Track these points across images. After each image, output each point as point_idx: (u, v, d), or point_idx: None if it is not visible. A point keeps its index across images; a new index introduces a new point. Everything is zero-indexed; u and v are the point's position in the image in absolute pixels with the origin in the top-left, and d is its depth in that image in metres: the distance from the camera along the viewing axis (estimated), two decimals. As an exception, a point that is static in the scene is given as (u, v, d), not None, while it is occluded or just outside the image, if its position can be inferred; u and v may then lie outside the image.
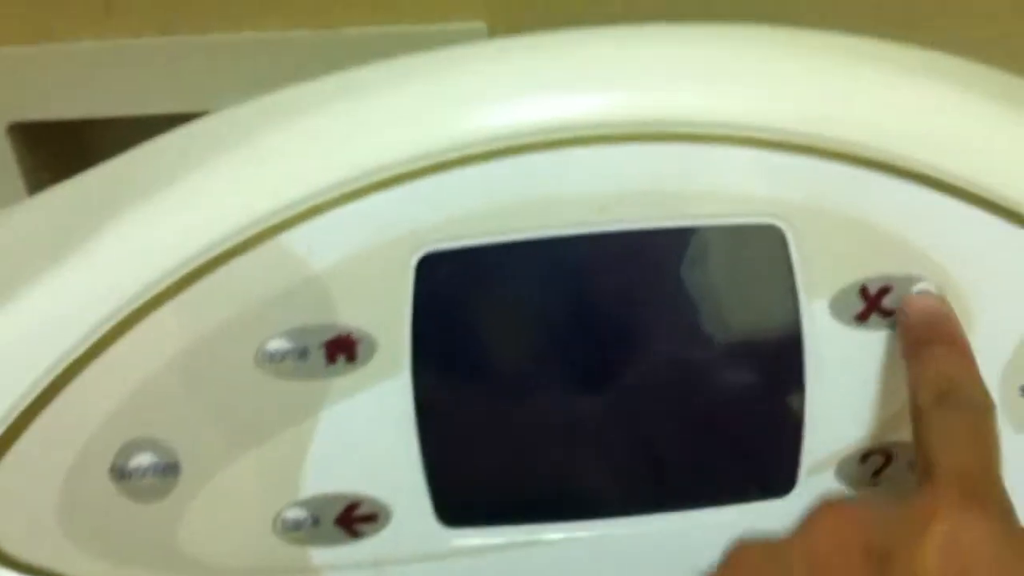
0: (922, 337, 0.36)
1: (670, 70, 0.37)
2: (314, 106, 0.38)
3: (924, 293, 0.38)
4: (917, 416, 0.34)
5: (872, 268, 0.37)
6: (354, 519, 0.39)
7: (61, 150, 0.58)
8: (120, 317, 0.37)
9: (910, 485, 0.37)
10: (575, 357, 0.38)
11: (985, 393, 0.34)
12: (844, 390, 0.38)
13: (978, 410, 0.34)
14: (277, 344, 0.37)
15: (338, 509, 0.39)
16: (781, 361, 0.38)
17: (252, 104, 0.40)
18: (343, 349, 0.37)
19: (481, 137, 0.36)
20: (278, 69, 0.42)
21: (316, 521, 0.39)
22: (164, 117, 0.43)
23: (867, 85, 0.37)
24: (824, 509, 0.30)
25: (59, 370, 0.37)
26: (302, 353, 0.37)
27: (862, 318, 0.37)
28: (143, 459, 0.38)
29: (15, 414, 0.37)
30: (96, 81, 0.53)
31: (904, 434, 0.38)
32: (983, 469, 0.32)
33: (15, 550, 0.38)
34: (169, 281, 0.37)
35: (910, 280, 0.37)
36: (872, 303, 0.37)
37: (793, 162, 0.36)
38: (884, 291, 0.37)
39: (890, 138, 0.36)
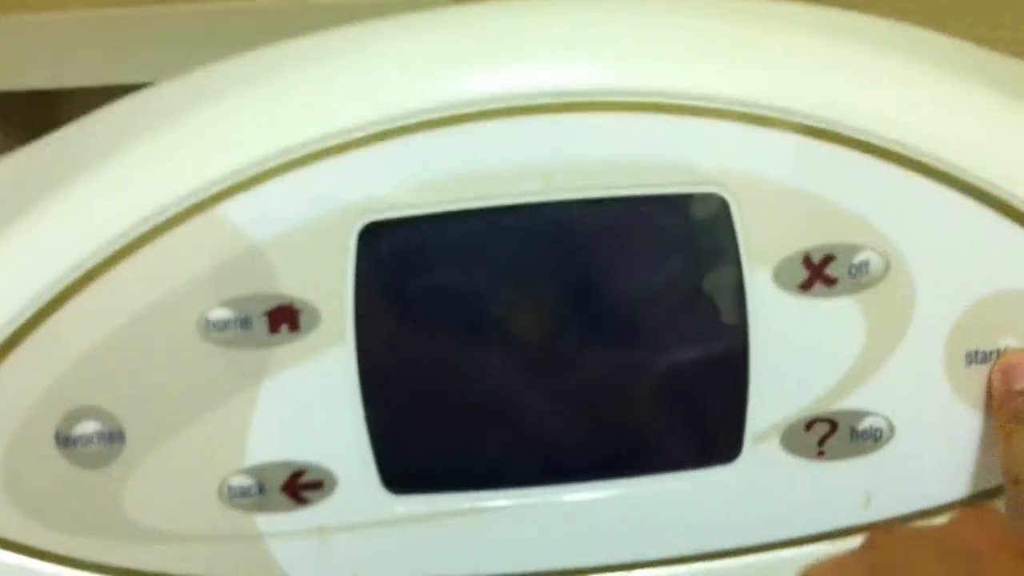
0: (1019, 413, 0.38)
1: (613, 39, 0.37)
2: (257, 75, 0.38)
3: (1017, 353, 0.38)
4: (1018, 482, 0.36)
5: (815, 237, 0.38)
6: (300, 486, 0.39)
7: (30, 120, 0.58)
8: (63, 286, 0.37)
9: (853, 454, 0.38)
10: (518, 325, 0.38)
11: None
12: (788, 358, 0.39)
13: None
14: (219, 313, 0.37)
15: (284, 476, 0.39)
16: (725, 329, 0.39)
17: (196, 73, 0.40)
18: (286, 318, 0.37)
19: (425, 106, 0.37)
20: (239, 40, 0.42)
21: (262, 488, 0.39)
22: (131, 87, 0.43)
23: (808, 52, 0.37)
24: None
25: (1, 338, 0.37)
26: (244, 322, 0.37)
27: (805, 287, 0.38)
28: (87, 427, 0.38)
29: (-42, 381, 0.37)
30: (63, 51, 0.54)
31: (848, 402, 0.39)
32: None
33: (-40, 516, 0.38)
34: (111, 250, 0.37)
35: (853, 249, 0.37)
36: (815, 272, 0.38)
37: (736, 131, 0.37)
38: (827, 260, 0.38)
39: (833, 107, 0.36)
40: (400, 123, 0.37)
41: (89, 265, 0.37)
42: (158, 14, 0.54)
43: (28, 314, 0.38)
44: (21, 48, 0.54)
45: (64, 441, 0.38)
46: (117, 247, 0.37)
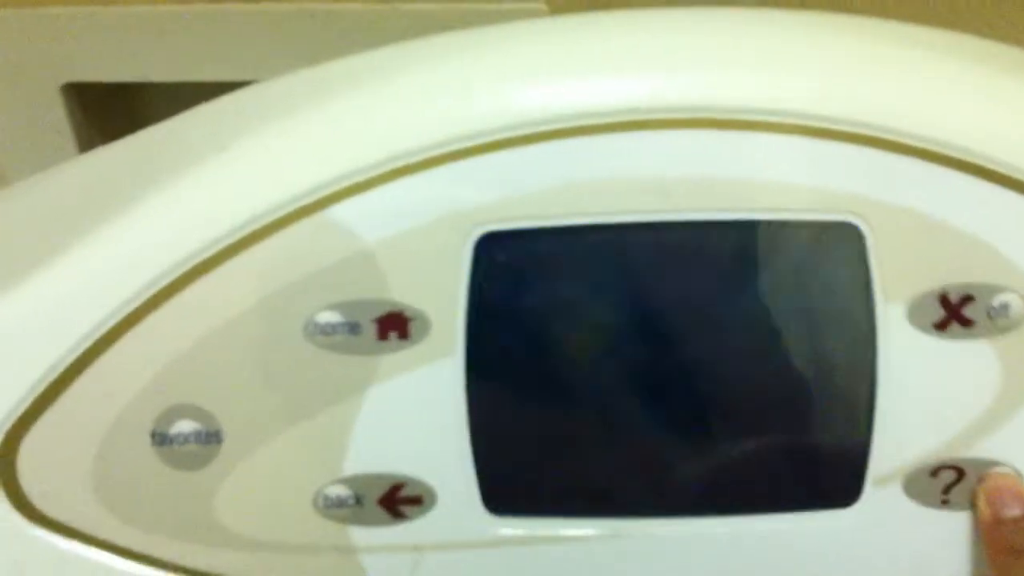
0: (1016, 543, 0.37)
1: (745, 54, 0.36)
2: (373, 78, 0.38)
3: (1007, 476, 0.37)
4: None
5: (954, 275, 0.37)
6: (398, 500, 0.39)
7: (113, 113, 0.58)
8: (168, 281, 0.38)
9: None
10: (634, 349, 0.38)
11: None
12: (917, 400, 0.38)
13: None
14: (328, 316, 0.37)
15: (382, 489, 0.39)
16: (853, 366, 0.38)
17: (307, 73, 0.40)
18: (395, 326, 0.37)
19: (545, 116, 0.36)
20: (328, 42, 0.42)
21: (359, 500, 0.39)
22: (215, 84, 0.43)
23: (956, 82, 0.36)
24: None
25: (103, 331, 0.38)
26: (353, 327, 0.37)
27: (941, 327, 0.37)
28: (185, 426, 0.38)
29: (56, 372, 0.38)
30: (149, 46, 0.54)
31: (977, 450, 0.37)
32: None
33: (49, 509, 0.39)
34: (220, 246, 0.37)
35: (994, 290, 0.36)
36: (953, 312, 0.37)
37: (875, 158, 0.36)
38: (966, 300, 0.37)
39: (981, 140, 0.35)
40: (523, 132, 0.37)
41: (196, 261, 0.38)
42: (245, 13, 0.54)
43: (131, 308, 0.38)
44: (107, 40, 0.55)
45: (160, 439, 0.38)
46: (226, 244, 0.37)
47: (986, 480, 0.38)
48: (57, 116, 0.57)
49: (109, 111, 0.59)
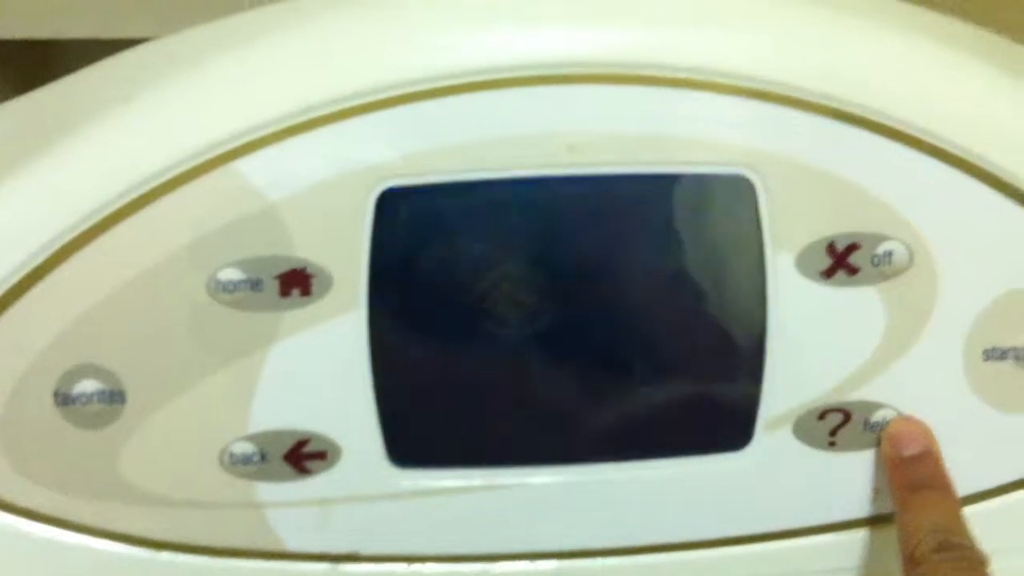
0: (914, 479, 0.39)
1: (647, 11, 0.37)
2: (276, 31, 0.38)
3: (907, 421, 0.39)
4: (914, 562, 0.37)
5: (841, 224, 0.38)
6: (303, 456, 0.39)
7: (30, 69, 0.57)
8: (68, 239, 0.37)
9: (866, 446, 0.38)
10: (532, 301, 0.38)
11: (979, 549, 0.37)
12: (805, 346, 0.39)
13: (973, 566, 0.37)
14: (230, 274, 0.37)
15: (287, 445, 0.39)
16: (743, 313, 0.39)
17: (212, 27, 0.40)
18: (298, 282, 0.37)
19: (448, 71, 0.37)
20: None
21: (264, 456, 0.39)
22: (131, 40, 0.43)
23: (847, 37, 0.37)
24: None
25: (2, 290, 0.37)
26: (255, 284, 0.37)
27: (828, 274, 0.38)
28: (88, 385, 0.38)
29: (-44, 333, 0.37)
30: (65, 2, 0.53)
31: (862, 393, 0.39)
32: None
33: (-48, 472, 0.38)
34: (120, 203, 0.37)
35: (878, 238, 0.38)
36: (839, 260, 0.38)
37: (766, 111, 0.37)
38: (852, 248, 0.38)
39: (866, 92, 0.37)
40: (426, 86, 0.37)
41: (97, 218, 0.37)
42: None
43: (31, 267, 0.37)
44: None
45: (63, 399, 0.38)
46: (127, 200, 0.37)
47: (891, 423, 0.40)
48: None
49: (25, 67, 0.58)
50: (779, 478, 0.41)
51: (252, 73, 0.38)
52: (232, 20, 0.40)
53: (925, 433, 0.40)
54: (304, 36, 0.38)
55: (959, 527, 0.38)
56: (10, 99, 0.44)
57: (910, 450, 0.40)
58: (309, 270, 0.38)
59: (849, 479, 0.41)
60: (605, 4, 0.38)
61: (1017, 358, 0.40)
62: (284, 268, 0.38)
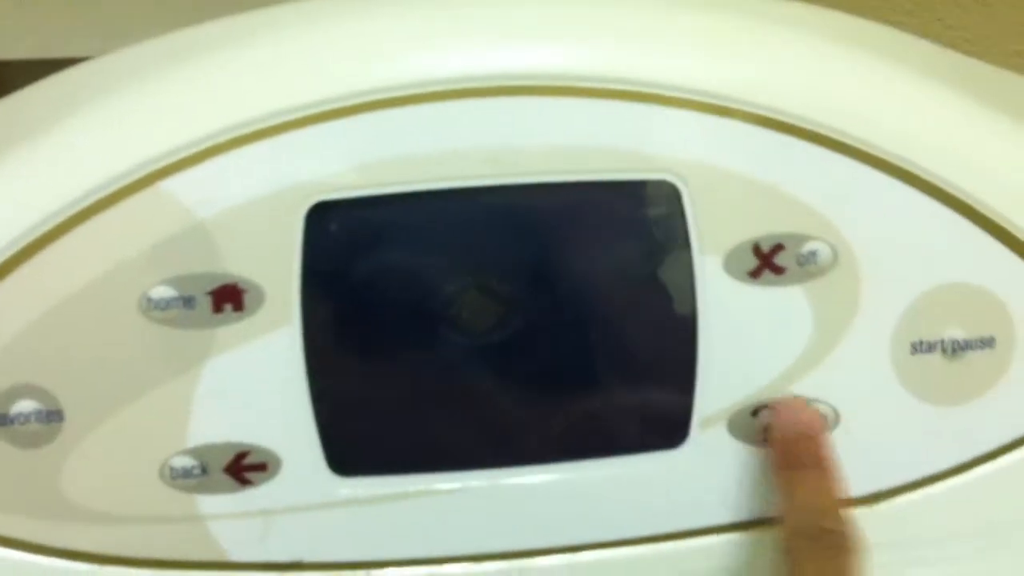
0: (795, 458, 0.39)
1: (567, 22, 0.38)
2: (202, 50, 0.38)
3: (797, 403, 0.40)
4: (790, 539, 0.38)
5: (765, 226, 0.39)
6: (243, 467, 0.40)
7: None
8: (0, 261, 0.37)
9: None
10: (465, 308, 0.39)
11: (855, 535, 0.38)
12: (736, 345, 0.40)
13: (850, 554, 0.37)
14: (161, 291, 0.37)
15: (227, 457, 0.40)
16: (674, 315, 0.40)
17: (140, 47, 0.40)
18: (230, 298, 0.38)
19: (374, 86, 0.37)
20: (185, 13, 0.42)
21: (204, 469, 0.39)
22: (66, 61, 0.43)
23: (762, 42, 0.38)
24: None
25: (-64, 314, 0.37)
26: (187, 301, 0.38)
27: (755, 275, 0.39)
28: (25, 405, 0.38)
29: None
30: (6, 22, 0.53)
31: (794, 389, 0.40)
32: None
33: None
34: (51, 225, 0.38)
35: (802, 239, 0.38)
36: (765, 260, 0.39)
37: (688, 119, 0.38)
38: (777, 248, 0.39)
39: (784, 97, 0.37)
40: (349, 102, 0.37)
41: (27, 240, 0.38)
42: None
43: (-37, 290, 0.37)
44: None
45: (1, 420, 0.38)
46: (57, 222, 0.37)
47: (775, 403, 0.40)
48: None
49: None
50: (715, 474, 0.41)
51: (177, 92, 0.38)
52: (151, 43, 0.40)
53: (809, 415, 0.40)
54: (231, 55, 0.38)
55: (834, 510, 0.39)
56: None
57: (792, 430, 0.40)
58: (241, 285, 0.38)
59: (784, 473, 0.42)
60: (534, 19, 0.38)
61: (944, 351, 0.40)
62: (216, 284, 0.38)
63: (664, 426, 0.41)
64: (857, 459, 0.41)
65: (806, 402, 0.40)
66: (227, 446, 0.39)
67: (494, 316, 0.40)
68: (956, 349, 0.41)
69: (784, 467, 0.40)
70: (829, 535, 0.38)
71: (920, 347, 0.40)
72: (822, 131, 0.38)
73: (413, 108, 0.37)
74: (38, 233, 0.37)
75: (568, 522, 0.42)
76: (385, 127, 0.37)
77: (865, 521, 0.41)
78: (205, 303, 0.38)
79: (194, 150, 0.37)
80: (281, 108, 0.37)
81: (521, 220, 0.39)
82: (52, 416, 0.39)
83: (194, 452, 0.39)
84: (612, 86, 0.37)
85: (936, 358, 0.41)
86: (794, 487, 0.39)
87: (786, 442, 0.40)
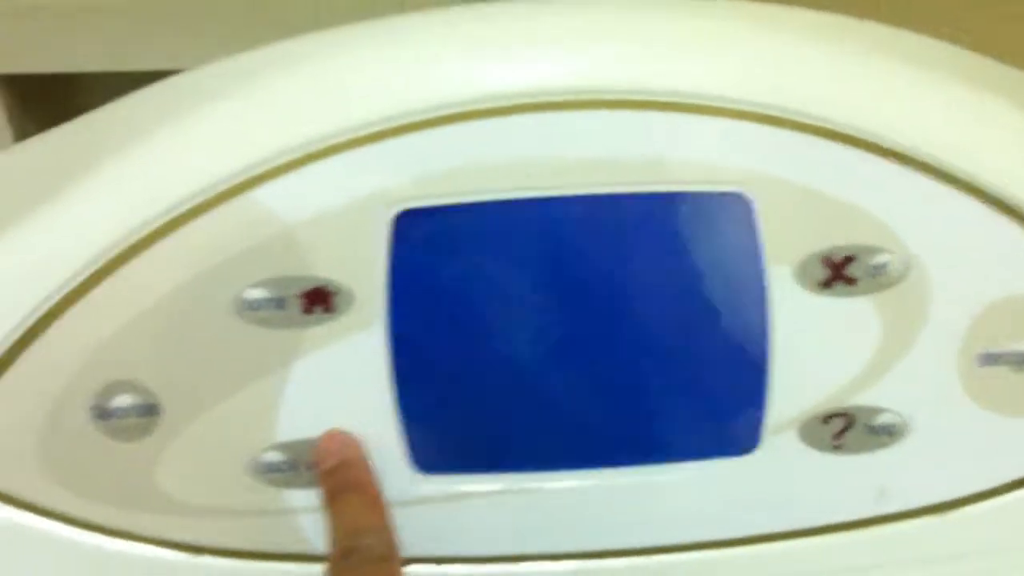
0: (337, 485, 0.40)
1: (639, 35, 0.39)
2: (293, 63, 0.40)
3: (328, 436, 0.41)
4: (332, 564, 0.39)
5: (836, 238, 0.40)
6: (329, 464, 0.41)
7: (49, 104, 0.59)
8: (102, 262, 0.39)
9: (869, 448, 0.40)
10: (546, 314, 0.40)
11: (388, 543, 0.39)
12: (807, 353, 0.41)
13: (379, 562, 0.39)
14: (255, 293, 0.39)
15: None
16: (747, 323, 0.41)
17: (231, 60, 0.42)
18: (320, 300, 0.39)
19: (460, 98, 0.39)
20: (263, 28, 0.44)
21: (292, 464, 0.41)
22: (149, 74, 0.45)
23: (833, 59, 0.39)
24: None
25: (42, 311, 0.39)
26: (279, 302, 0.39)
27: (826, 285, 0.40)
28: (124, 400, 0.40)
29: (-1, 352, 0.39)
30: (83, 36, 0.55)
31: (864, 398, 0.41)
32: None
33: (-6, 481, 0.41)
34: (150, 228, 0.39)
35: (872, 250, 0.39)
36: (835, 271, 0.39)
37: (762, 133, 0.39)
38: (848, 260, 0.39)
39: (854, 112, 0.38)
40: (436, 114, 0.39)
41: (128, 243, 0.39)
42: (180, 1, 0.55)
43: (68, 288, 0.39)
44: (41, 32, 0.56)
45: (101, 413, 0.40)
46: (156, 226, 0.39)
47: (320, 439, 0.41)
48: (-7, 108, 0.58)
49: (44, 102, 0.60)
50: (785, 480, 0.42)
51: (272, 103, 0.40)
52: (248, 55, 0.42)
53: (344, 444, 0.41)
54: (317, 67, 0.40)
55: (370, 525, 0.40)
56: (35, 134, 0.46)
57: (329, 462, 0.41)
58: (331, 288, 0.40)
59: (854, 480, 0.43)
60: (603, 32, 0.40)
61: (1011, 363, 0.41)
62: (307, 286, 0.40)
63: (736, 432, 0.42)
64: (924, 469, 0.42)
65: (340, 432, 0.41)
66: (315, 442, 0.41)
67: (571, 322, 0.41)
68: (1023, 361, 0.41)
69: (327, 497, 0.41)
70: (365, 551, 0.39)
71: (987, 359, 0.41)
72: (891, 145, 0.39)
73: (495, 120, 0.39)
74: (140, 235, 0.39)
75: (643, 524, 0.43)
76: (468, 138, 0.39)
77: (933, 531, 0.42)
78: (296, 304, 0.40)
79: (288, 158, 0.39)
80: (371, 119, 0.39)
81: (599, 229, 0.40)
82: (150, 411, 0.41)
83: (283, 448, 0.41)
84: (686, 100, 0.39)
85: (1003, 370, 0.41)
86: (337, 514, 0.40)
87: (327, 474, 0.41)
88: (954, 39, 0.42)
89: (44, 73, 0.58)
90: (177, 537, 0.42)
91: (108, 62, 0.58)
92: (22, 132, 0.57)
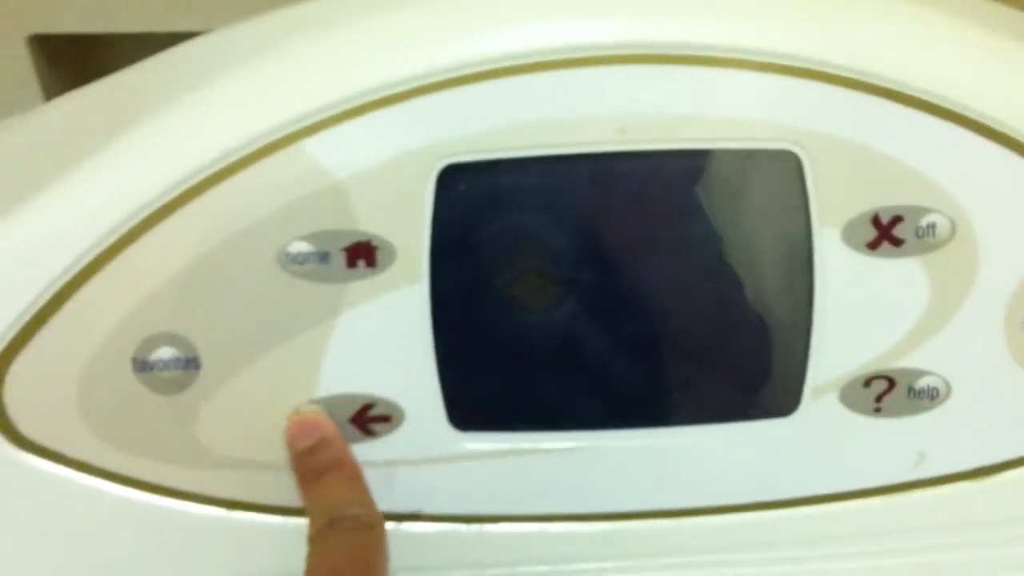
0: (315, 466, 0.40)
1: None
2: (339, 17, 0.40)
3: (299, 415, 0.41)
4: (309, 544, 0.39)
5: (885, 198, 0.39)
6: (368, 419, 0.41)
7: (79, 64, 0.59)
8: (146, 214, 0.39)
9: (910, 412, 0.39)
10: (588, 272, 0.40)
11: (371, 512, 0.39)
12: (851, 315, 0.41)
13: (364, 529, 0.39)
14: (299, 247, 0.39)
15: (353, 408, 0.41)
16: (791, 284, 0.40)
17: (273, 16, 0.41)
18: (363, 255, 0.39)
19: (507, 52, 0.39)
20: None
21: (332, 420, 0.40)
22: (178, 35, 0.45)
23: (887, 16, 0.39)
24: None
25: (83, 264, 0.40)
26: (323, 256, 0.39)
27: (873, 246, 0.40)
28: (164, 352, 0.40)
29: (40, 304, 0.40)
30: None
31: (906, 361, 0.40)
32: None
33: (35, 434, 0.41)
34: (194, 181, 0.39)
35: (921, 211, 0.39)
36: (883, 232, 0.39)
37: (813, 89, 0.38)
38: (895, 220, 0.39)
39: (906, 69, 0.38)
40: (482, 68, 0.39)
41: (172, 195, 0.39)
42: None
43: (110, 241, 0.39)
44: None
45: (141, 366, 0.40)
46: (201, 178, 0.39)
47: (292, 415, 0.41)
48: (23, 67, 0.58)
49: (75, 62, 0.60)
50: (826, 443, 0.42)
51: (318, 57, 0.40)
52: (289, 11, 0.42)
53: (317, 423, 0.41)
54: (362, 21, 0.40)
55: (354, 499, 0.40)
56: (65, 92, 0.46)
57: (304, 443, 0.41)
58: (374, 243, 0.39)
59: (894, 444, 0.43)
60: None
61: (1057, 326, 0.41)
62: (350, 241, 0.39)
63: (777, 394, 0.42)
64: (966, 432, 0.42)
65: (314, 409, 0.41)
66: (354, 397, 0.41)
67: (614, 280, 0.41)
68: (1070, 325, 0.41)
69: (305, 479, 0.41)
70: (351, 520, 0.39)
71: (1034, 322, 0.41)
72: (943, 103, 0.38)
73: (542, 75, 0.39)
74: (182, 188, 0.39)
75: (679, 486, 0.43)
76: (514, 93, 0.39)
77: (973, 496, 0.42)
78: (340, 259, 0.40)
79: (332, 112, 0.39)
80: (417, 73, 0.39)
81: (643, 186, 0.40)
82: (190, 364, 0.40)
83: (323, 402, 0.41)
84: (733, 55, 0.38)
85: (1049, 334, 0.41)
86: (318, 495, 0.40)
87: (301, 456, 0.41)
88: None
89: (74, 33, 0.58)
90: (215, 492, 0.42)
91: (138, 23, 0.57)
92: (54, 94, 0.57)
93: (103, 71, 0.46)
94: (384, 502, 0.42)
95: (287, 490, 0.42)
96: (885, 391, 0.41)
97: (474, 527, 0.43)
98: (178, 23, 0.57)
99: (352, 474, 0.41)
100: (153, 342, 0.40)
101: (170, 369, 0.40)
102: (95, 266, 0.40)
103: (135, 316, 0.40)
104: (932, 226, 0.40)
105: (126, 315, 0.40)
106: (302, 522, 0.41)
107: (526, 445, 0.42)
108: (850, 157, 0.39)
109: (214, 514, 0.42)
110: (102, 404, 0.41)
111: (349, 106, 0.39)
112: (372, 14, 0.41)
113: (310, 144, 0.39)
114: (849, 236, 0.40)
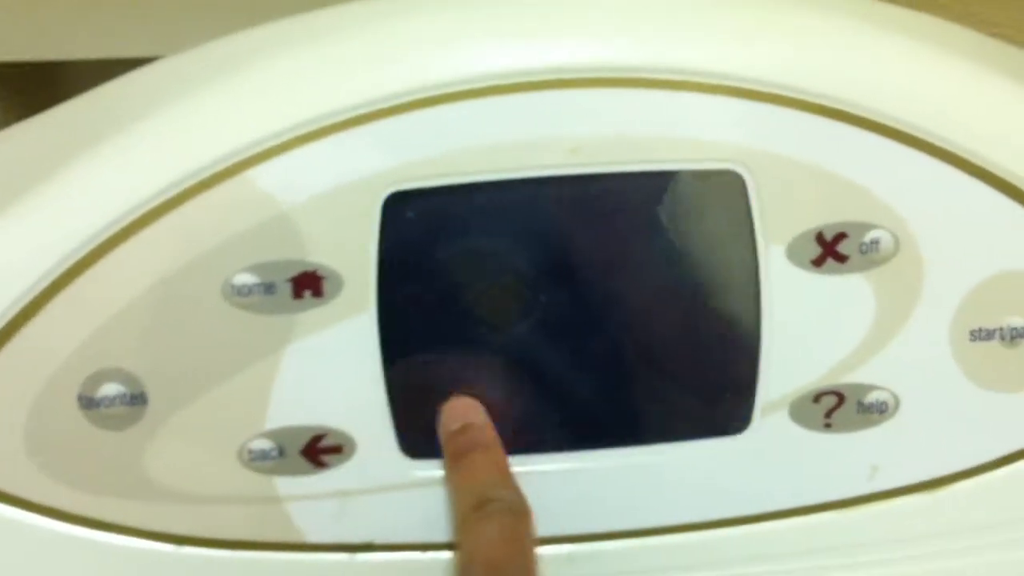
0: (464, 445, 0.40)
1: (637, 16, 0.39)
2: (282, 46, 0.40)
3: (454, 400, 0.41)
4: (459, 524, 0.38)
5: (828, 215, 0.40)
6: (319, 450, 0.41)
7: (35, 91, 0.59)
8: (89, 249, 0.39)
9: (860, 427, 0.40)
10: (539, 295, 0.40)
11: (521, 499, 0.39)
12: (798, 332, 0.41)
13: (515, 515, 0.38)
14: (243, 278, 0.39)
15: (304, 440, 0.41)
16: (738, 302, 0.41)
17: (218, 44, 0.41)
18: (309, 285, 0.39)
19: (452, 78, 0.38)
20: (245, 15, 0.44)
21: (282, 451, 0.41)
22: (135, 60, 0.44)
23: (827, 35, 0.39)
24: None
25: (27, 300, 0.39)
26: (268, 288, 0.39)
27: (818, 263, 0.40)
28: (110, 389, 0.40)
29: (-18, 342, 0.38)
30: (68, 23, 0.54)
31: (855, 376, 0.41)
32: (518, 568, 0.36)
33: (-19, 474, 0.40)
34: (137, 214, 0.39)
35: (865, 227, 0.39)
36: (828, 249, 0.40)
37: (755, 110, 0.39)
38: (840, 237, 0.40)
39: (847, 87, 0.38)
40: (428, 94, 0.39)
41: (115, 229, 0.39)
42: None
43: (53, 277, 0.39)
44: (26, 19, 0.55)
45: (87, 403, 0.40)
46: (144, 211, 0.39)
47: (447, 401, 0.41)
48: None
49: (30, 90, 0.60)
50: (778, 459, 0.42)
51: (261, 85, 0.39)
52: (235, 39, 0.41)
53: (468, 407, 0.41)
54: (308, 49, 0.40)
55: (501, 481, 0.39)
56: (15, 123, 0.45)
57: (454, 425, 0.41)
58: (320, 272, 0.39)
59: (846, 459, 0.43)
60: (597, 11, 0.39)
61: (1003, 338, 0.41)
62: (296, 271, 0.39)
63: (727, 412, 0.42)
64: (917, 445, 0.43)
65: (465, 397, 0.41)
66: (304, 429, 0.41)
67: (562, 304, 0.41)
68: (1015, 336, 0.41)
69: (451, 458, 0.41)
70: (499, 502, 0.38)
71: (979, 334, 0.41)
72: (885, 121, 0.39)
73: (489, 100, 0.39)
74: (125, 222, 0.39)
75: (634, 506, 0.43)
76: (461, 118, 0.39)
77: (925, 508, 0.42)
78: (286, 289, 0.39)
79: (277, 141, 0.38)
80: (360, 100, 0.38)
81: (593, 208, 0.40)
82: (136, 399, 0.40)
83: (272, 435, 0.41)
84: (676, 77, 0.38)
85: (995, 345, 0.41)
86: (463, 474, 0.40)
87: (450, 436, 0.41)
88: (944, 14, 0.42)
89: (30, 61, 0.57)
90: (164, 528, 0.41)
91: (93, 49, 0.57)
92: (9, 121, 0.56)
93: (59, 98, 0.46)
94: (337, 533, 0.42)
95: (236, 524, 0.41)
96: (835, 407, 0.42)
97: (429, 554, 0.42)
98: (134, 49, 0.57)
99: (499, 459, 0.40)
100: (99, 378, 0.40)
101: (116, 405, 0.40)
102: (36, 305, 0.39)
103: (80, 353, 0.40)
104: (876, 242, 0.40)
105: (71, 352, 0.40)
106: (251, 556, 0.41)
107: (478, 471, 0.42)
108: (793, 175, 0.39)
109: (163, 549, 0.42)
110: (49, 442, 0.40)
111: (292, 135, 0.39)
112: (317, 42, 0.40)
113: (253, 174, 0.39)
114: (794, 254, 0.40)
